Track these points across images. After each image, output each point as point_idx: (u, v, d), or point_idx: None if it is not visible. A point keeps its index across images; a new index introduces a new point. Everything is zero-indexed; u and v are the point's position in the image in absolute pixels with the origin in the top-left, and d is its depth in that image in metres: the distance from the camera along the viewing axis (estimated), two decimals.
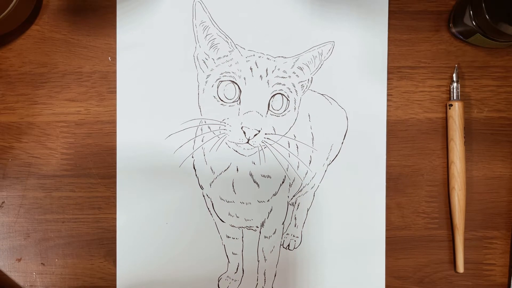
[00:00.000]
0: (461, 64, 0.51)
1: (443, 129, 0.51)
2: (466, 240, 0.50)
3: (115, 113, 0.50)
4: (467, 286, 0.51)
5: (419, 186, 0.51)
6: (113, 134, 0.50)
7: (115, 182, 0.50)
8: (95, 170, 0.51)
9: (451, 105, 0.49)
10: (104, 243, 0.51)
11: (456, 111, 0.49)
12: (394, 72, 0.50)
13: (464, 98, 0.50)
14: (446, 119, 0.50)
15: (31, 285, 0.51)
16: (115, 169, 0.50)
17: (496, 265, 0.51)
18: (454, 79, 0.49)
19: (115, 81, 0.50)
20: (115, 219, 0.51)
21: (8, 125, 0.51)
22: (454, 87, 0.49)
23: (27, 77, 0.50)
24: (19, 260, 0.51)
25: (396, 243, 0.51)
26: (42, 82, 0.50)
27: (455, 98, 0.49)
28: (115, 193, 0.51)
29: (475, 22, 0.46)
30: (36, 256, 0.51)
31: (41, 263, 0.51)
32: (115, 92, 0.50)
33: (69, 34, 0.51)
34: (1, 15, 0.45)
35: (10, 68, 0.50)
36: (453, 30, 0.50)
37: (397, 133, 0.51)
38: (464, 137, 0.49)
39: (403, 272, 0.51)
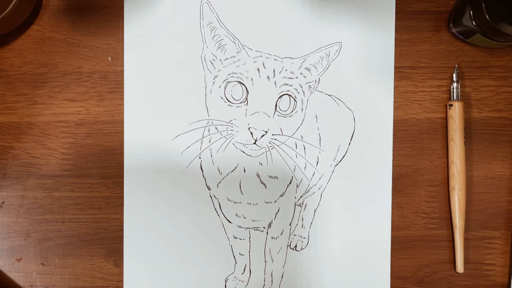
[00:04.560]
0: (461, 64, 0.51)
1: (443, 129, 0.51)
2: (466, 240, 0.50)
3: (115, 113, 0.50)
4: (467, 286, 0.51)
5: (419, 186, 0.51)
6: (113, 134, 0.51)
7: (115, 182, 0.51)
8: (95, 170, 0.51)
9: (451, 105, 0.49)
10: (104, 243, 0.51)
11: (456, 111, 0.49)
12: (394, 72, 0.50)
13: (464, 98, 0.50)
14: (446, 119, 0.50)
15: (31, 285, 0.51)
16: (116, 169, 0.50)
17: (496, 265, 0.51)
18: (454, 79, 0.49)
19: (115, 81, 0.50)
20: (115, 219, 0.51)
21: (8, 125, 0.51)
22: (454, 87, 0.49)
23: (27, 77, 0.50)
24: (19, 260, 0.51)
25: (396, 243, 0.51)
26: (42, 82, 0.50)
27: (455, 98, 0.49)
28: (115, 193, 0.51)
29: (475, 22, 0.46)
30: (36, 256, 0.51)
31: (41, 263, 0.51)
32: (115, 92, 0.50)
33: (69, 34, 0.51)
34: (1, 15, 0.45)
35: (10, 68, 0.50)
36: (453, 30, 0.50)
37: (397, 133, 0.51)
38: (464, 137, 0.49)
39: (403, 272, 0.51)
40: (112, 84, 0.50)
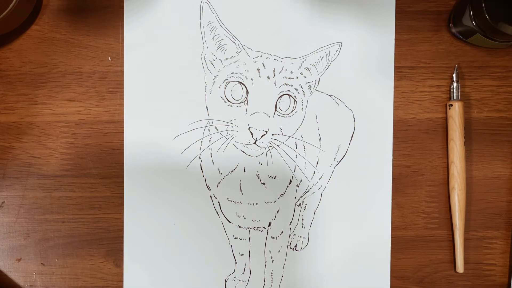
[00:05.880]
0: (461, 64, 0.51)
1: (443, 129, 0.51)
2: (466, 240, 0.50)
3: (115, 113, 0.50)
4: (467, 286, 0.51)
5: (419, 186, 0.51)
6: (113, 134, 0.51)
7: (115, 182, 0.51)
8: (95, 170, 0.51)
9: (451, 105, 0.49)
10: (104, 243, 0.51)
11: (456, 111, 0.49)
12: (394, 72, 0.50)
13: (464, 98, 0.50)
14: (446, 119, 0.50)
15: (31, 285, 0.51)
16: (115, 169, 0.50)
17: (496, 265, 0.51)
18: (454, 79, 0.50)
19: (115, 81, 0.50)
20: (115, 219, 0.51)
21: (8, 125, 0.51)
22: (454, 87, 0.49)
23: (27, 77, 0.50)
24: (19, 260, 0.51)
25: (396, 243, 0.51)
26: (42, 82, 0.51)
27: (455, 98, 0.49)
28: (115, 193, 0.51)
29: (475, 22, 0.46)
30: (36, 256, 0.51)
31: (41, 263, 0.51)
32: (115, 92, 0.50)
33: (69, 34, 0.51)
34: (1, 15, 0.45)
35: (10, 68, 0.50)
36: (453, 30, 0.50)
37: (397, 133, 0.51)
38: (464, 137, 0.49)
39: (403, 272, 0.51)
40: (112, 84, 0.50)
